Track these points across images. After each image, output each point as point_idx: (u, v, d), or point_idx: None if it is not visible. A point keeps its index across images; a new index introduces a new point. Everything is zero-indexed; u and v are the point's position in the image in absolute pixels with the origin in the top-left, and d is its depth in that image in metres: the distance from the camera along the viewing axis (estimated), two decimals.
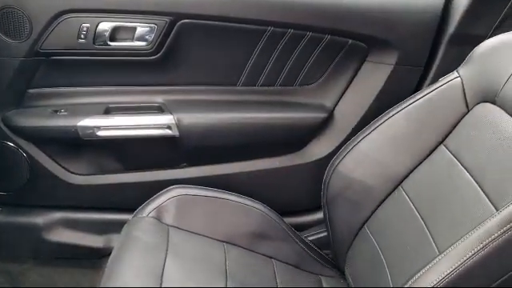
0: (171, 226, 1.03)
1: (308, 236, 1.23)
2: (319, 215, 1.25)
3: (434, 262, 0.69)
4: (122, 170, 1.23)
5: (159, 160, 1.22)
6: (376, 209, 0.98)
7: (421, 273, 0.69)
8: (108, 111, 1.16)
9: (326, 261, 1.11)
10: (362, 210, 1.00)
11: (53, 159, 1.18)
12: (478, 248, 0.66)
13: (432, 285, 0.67)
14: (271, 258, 1.06)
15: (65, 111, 1.14)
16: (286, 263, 1.07)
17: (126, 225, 1.02)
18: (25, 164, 1.17)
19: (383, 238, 0.94)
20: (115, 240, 1.05)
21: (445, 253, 0.69)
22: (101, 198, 1.22)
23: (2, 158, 1.17)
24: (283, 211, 1.15)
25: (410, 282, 0.70)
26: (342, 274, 1.07)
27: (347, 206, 1.02)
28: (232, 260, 1.00)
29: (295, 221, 1.25)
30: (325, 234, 1.16)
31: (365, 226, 1.00)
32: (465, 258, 0.66)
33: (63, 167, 1.20)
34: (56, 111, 1.14)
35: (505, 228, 0.65)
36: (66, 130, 1.12)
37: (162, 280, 0.88)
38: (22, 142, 1.15)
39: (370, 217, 0.99)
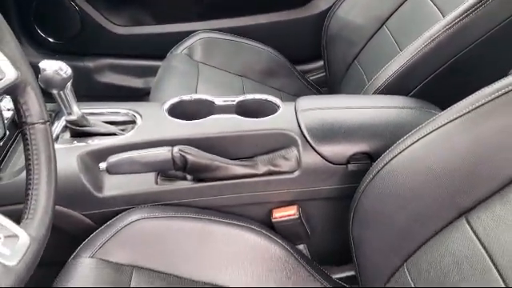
0: (199, 61, 1.28)
1: (310, 77, 1.47)
2: (319, 63, 1.47)
3: (390, 62, 0.93)
4: (156, 22, 1.45)
5: (187, 13, 1.44)
6: (365, 45, 1.21)
7: (379, 72, 0.94)
8: None
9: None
10: (354, 46, 1.22)
11: (100, 12, 1.41)
12: (425, 44, 0.87)
13: (386, 77, 0.91)
14: (279, 90, 1.32)
15: None
16: (292, 94, 1.34)
17: (164, 59, 1.28)
18: (76, 16, 1.40)
19: (368, 66, 1.17)
20: (152, 82, 1.31)
21: (399, 54, 0.93)
22: (139, 46, 1.46)
23: (57, 11, 1.40)
24: (289, 58, 1.38)
25: (371, 80, 0.95)
26: None
27: (342, 45, 1.25)
28: (248, 88, 1.26)
29: (299, 68, 1.46)
30: (323, 74, 1.42)
31: (355, 60, 1.24)
32: (412, 54, 0.89)
33: (108, 19, 1.43)
34: None
35: (447, 26, 0.86)
36: None
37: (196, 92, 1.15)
38: None
39: (360, 52, 1.22)
